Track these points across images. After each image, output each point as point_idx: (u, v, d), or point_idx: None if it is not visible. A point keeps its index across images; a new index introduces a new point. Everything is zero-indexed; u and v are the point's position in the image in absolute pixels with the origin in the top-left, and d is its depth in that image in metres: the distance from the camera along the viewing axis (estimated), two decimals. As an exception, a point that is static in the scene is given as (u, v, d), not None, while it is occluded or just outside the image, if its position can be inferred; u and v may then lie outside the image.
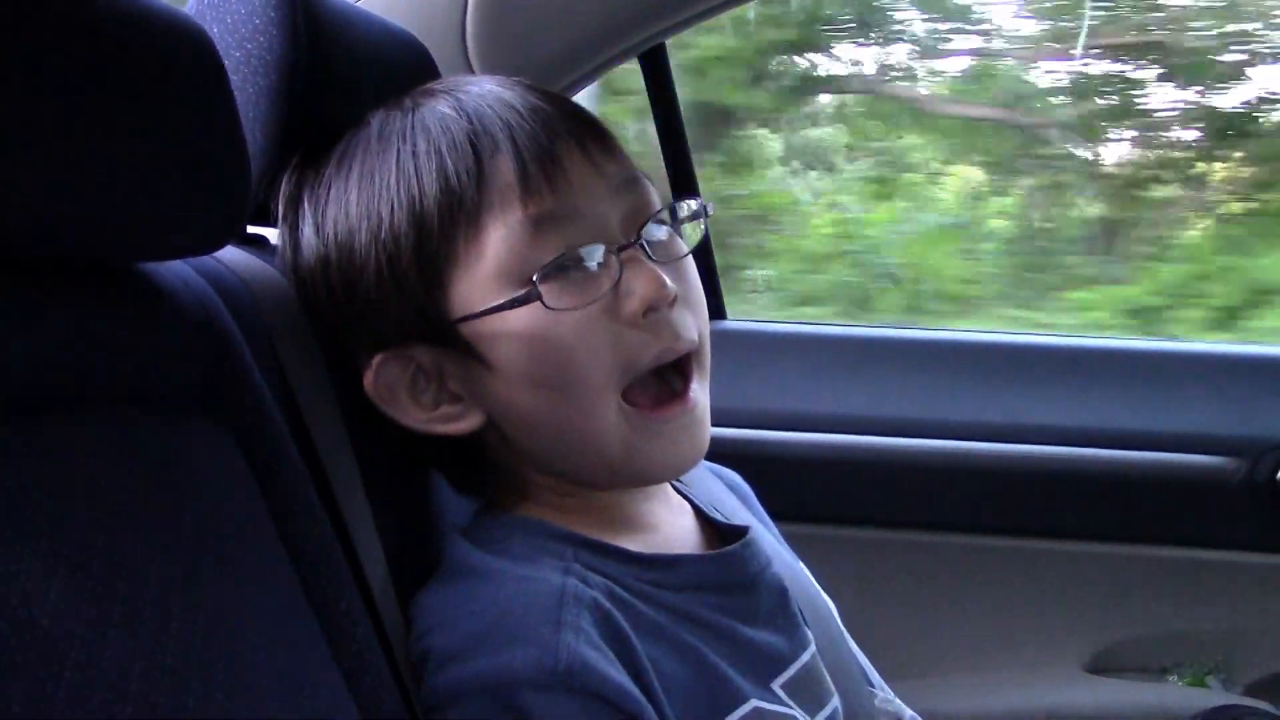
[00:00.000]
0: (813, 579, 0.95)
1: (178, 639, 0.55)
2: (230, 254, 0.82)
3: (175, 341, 0.67)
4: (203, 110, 0.62)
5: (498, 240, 0.75)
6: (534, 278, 0.74)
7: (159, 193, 0.60)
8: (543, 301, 0.74)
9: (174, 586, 0.57)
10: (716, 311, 1.73)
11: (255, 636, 0.60)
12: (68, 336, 0.59)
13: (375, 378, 0.78)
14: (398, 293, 0.77)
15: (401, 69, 0.97)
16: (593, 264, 0.75)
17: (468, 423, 0.80)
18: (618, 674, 0.70)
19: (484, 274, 0.75)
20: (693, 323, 0.79)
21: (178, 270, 0.71)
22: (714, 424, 0.83)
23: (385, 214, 0.76)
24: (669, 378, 0.79)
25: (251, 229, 0.90)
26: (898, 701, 0.94)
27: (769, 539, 0.93)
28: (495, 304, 0.75)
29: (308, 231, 0.81)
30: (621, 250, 0.76)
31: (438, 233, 0.75)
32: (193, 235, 0.66)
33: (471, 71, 1.34)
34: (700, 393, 0.80)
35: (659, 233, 0.80)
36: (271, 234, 0.91)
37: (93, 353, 0.60)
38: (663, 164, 1.68)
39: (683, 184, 1.67)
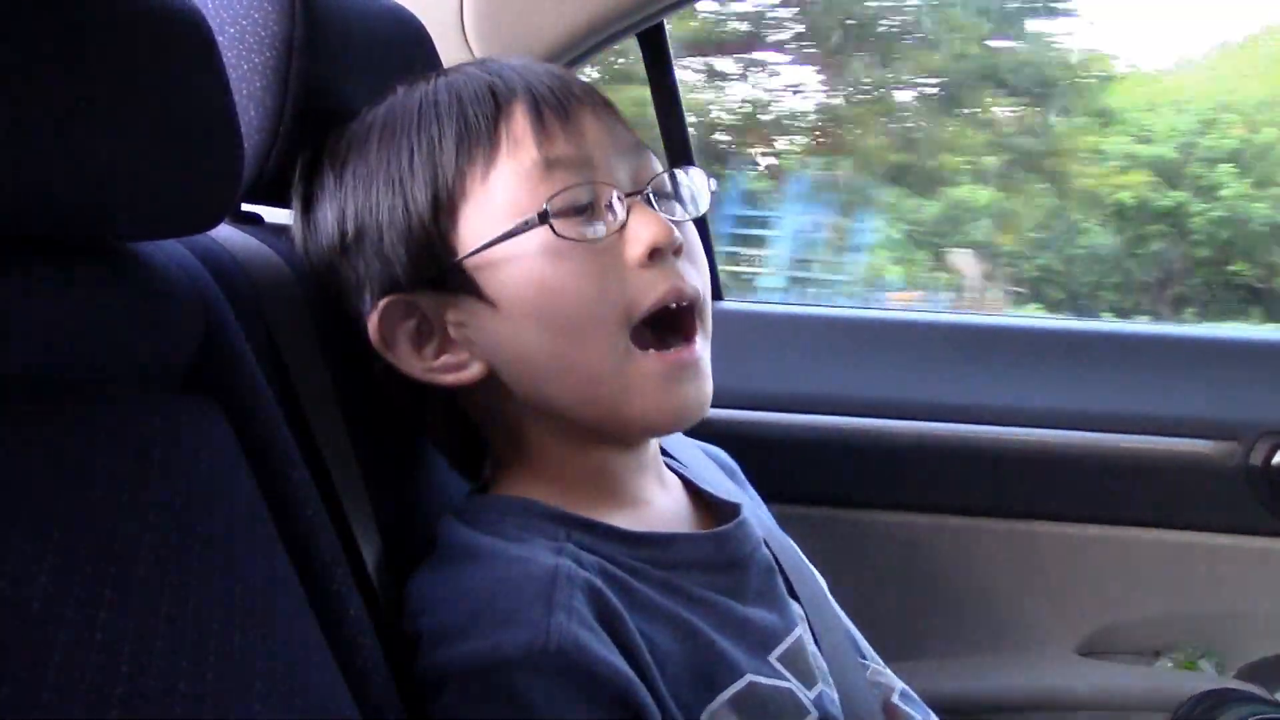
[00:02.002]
0: (802, 555, 0.95)
1: (168, 620, 0.55)
2: (224, 232, 0.82)
3: (166, 319, 0.66)
4: (194, 88, 0.62)
5: (509, 179, 0.77)
6: (545, 205, 0.76)
7: (150, 172, 0.59)
8: (552, 227, 0.76)
9: (164, 567, 0.57)
10: (714, 292, 1.72)
11: (246, 617, 0.60)
12: (56, 315, 0.58)
13: (380, 322, 0.80)
14: (410, 232, 0.79)
15: (399, 45, 0.97)
16: (602, 204, 0.78)
17: (469, 372, 0.81)
18: (610, 654, 0.70)
19: (493, 212, 0.77)
20: (696, 276, 0.81)
21: (169, 248, 0.71)
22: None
23: (404, 157, 0.79)
24: (671, 338, 0.80)
25: (246, 207, 0.90)
26: (889, 673, 0.94)
27: (760, 517, 0.94)
28: (504, 232, 0.77)
29: (327, 183, 0.83)
30: (628, 196, 0.79)
31: (453, 171, 0.78)
32: (185, 214, 0.66)
33: (469, 49, 1.34)
34: (704, 348, 0.82)
35: (664, 194, 0.83)
36: (267, 212, 0.91)
37: (82, 331, 0.60)
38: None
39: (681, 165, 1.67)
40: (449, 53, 1.05)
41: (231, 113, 0.65)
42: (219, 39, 0.65)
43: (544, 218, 0.76)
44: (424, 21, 1.01)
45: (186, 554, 0.59)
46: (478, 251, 0.77)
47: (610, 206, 0.78)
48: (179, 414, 0.65)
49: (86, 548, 0.54)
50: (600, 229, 0.77)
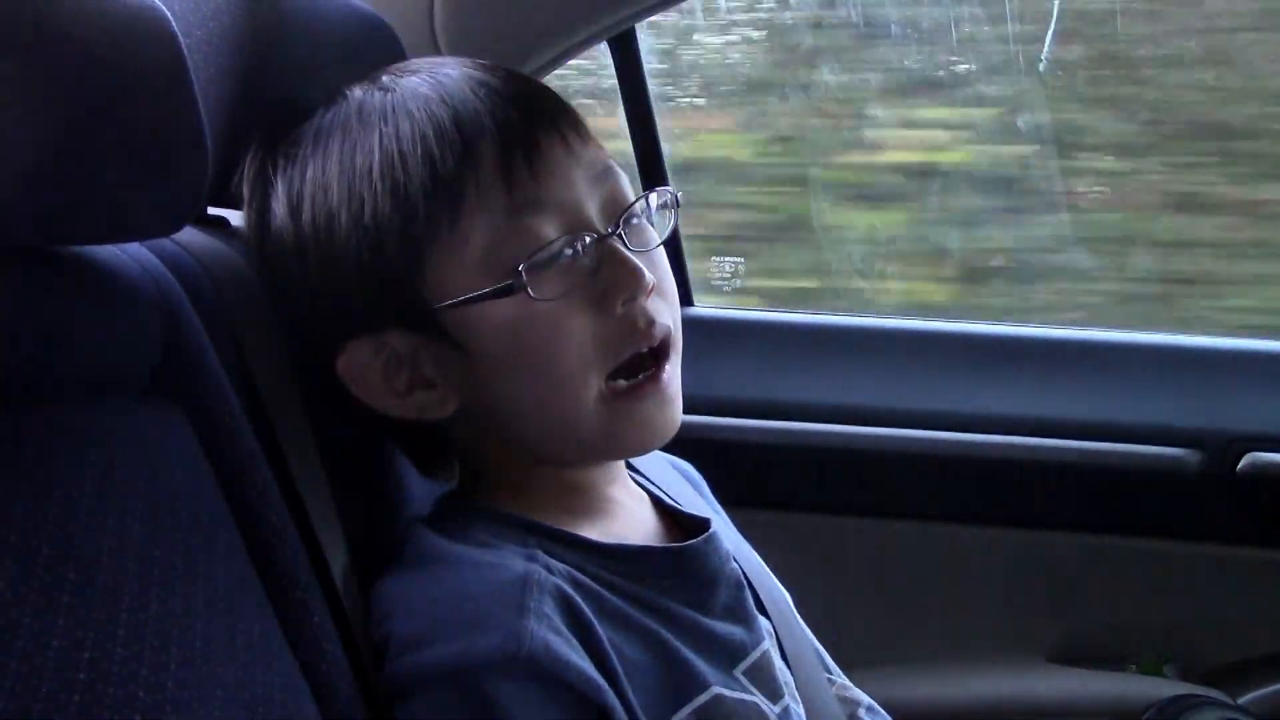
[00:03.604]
0: (768, 569, 0.95)
1: (128, 627, 0.55)
2: (188, 236, 0.81)
3: (129, 324, 0.66)
4: (160, 92, 0.61)
5: (481, 226, 0.75)
6: (520, 268, 0.74)
7: (115, 175, 0.59)
8: (528, 292, 0.74)
9: (124, 574, 0.56)
10: (684, 298, 1.73)
11: (208, 624, 0.60)
12: (18, 319, 0.58)
13: (349, 362, 0.78)
14: (378, 278, 0.77)
15: (367, 49, 0.96)
16: (574, 253, 0.76)
17: (441, 409, 0.80)
18: (581, 660, 0.70)
19: (466, 261, 0.76)
20: (667, 311, 0.81)
21: (133, 252, 0.70)
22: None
23: (368, 197, 0.76)
24: (643, 361, 0.80)
25: (211, 210, 0.89)
26: (855, 689, 0.94)
27: (728, 531, 0.94)
28: (478, 292, 0.75)
29: (280, 212, 0.80)
30: (600, 240, 0.77)
31: (422, 218, 0.75)
32: (149, 218, 0.65)
33: (439, 54, 1.33)
34: (673, 373, 0.81)
35: (634, 222, 0.81)
36: (233, 215, 0.90)
37: (44, 336, 0.59)
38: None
39: (652, 172, 1.67)
40: (419, 57, 1.04)
41: (198, 116, 0.64)
42: (186, 41, 0.64)
43: (520, 280, 0.74)
44: (394, 25, 1.01)
45: (148, 559, 0.58)
46: (449, 306, 0.76)
47: (585, 251, 0.77)
48: (142, 418, 0.65)
49: (46, 553, 0.53)
50: (574, 280, 0.76)
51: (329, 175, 0.78)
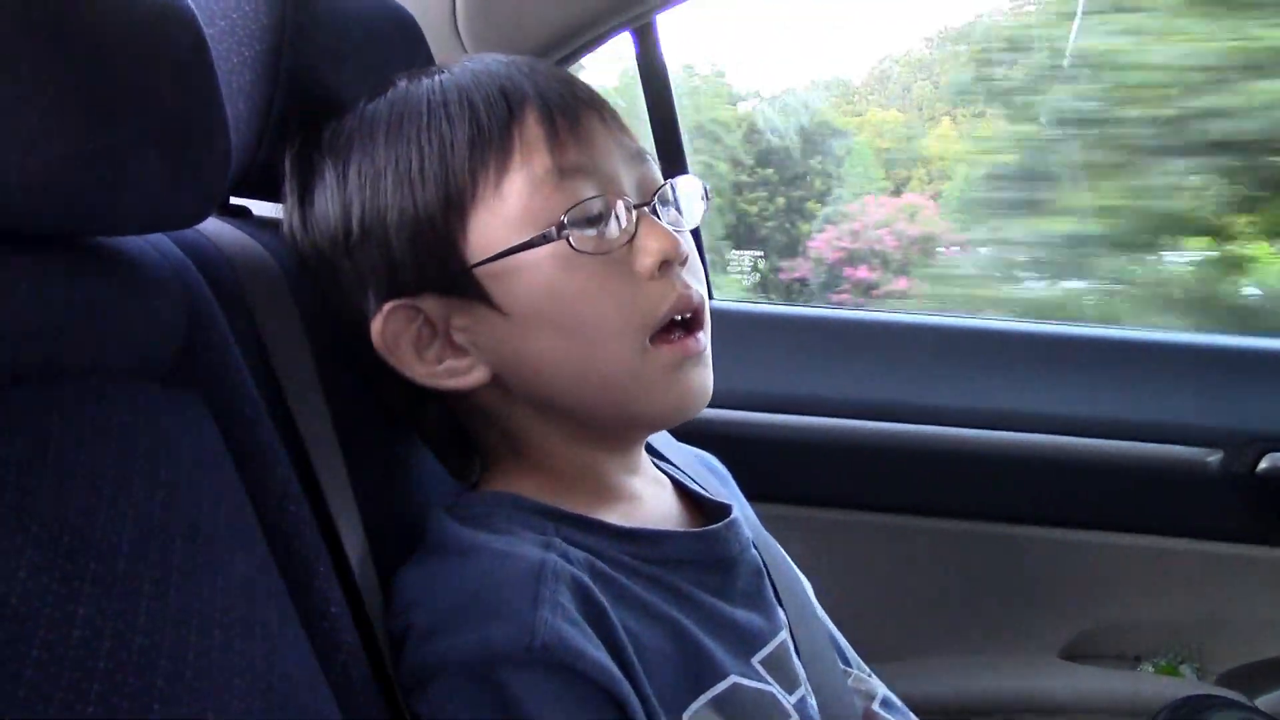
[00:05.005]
0: (789, 560, 0.95)
1: (147, 616, 0.55)
2: (211, 225, 0.81)
3: (150, 313, 0.66)
4: (183, 82, 0.61)
5: (522, 186, 0.77)
6: (562, 218, 0.76)
7: (138, 166, 0.59)
8: (569, 241, 0.76)
9: (144, 563, 0.57)
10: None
11: (226, 614, 0.60)
12: (41, 308, 0.58)
13: (384, 326, 0.79)
14: (419, 235, 0.78)
15: (390, 39, 0.96)
16: (613, 215, 0.78)
17: (472, 377, 0.81)
18: (595, 650, 0.70)
19: (506, 218, 0.77)
20: (697, 283, 0.82)
21: (154, 241, 0.71)
22: (697, 404, 0.84)
23: (414, 156, 0.78)
24: (675, 330, 0.81)
25: (234, 200, 0.90)
26: (872, 680, 0.94)
27: (750, 520, 0.94)
28: (518, 243, 0.77)
29: (328, 178, 0.82)
30: (635, 207, 0.79)
31: (465, 175, 0.77)
32: (172, 209, 0.66)
33: (461, 46, 1.34)
34: (706, 340, 0.83)
35: (664, 205, 0.83)
36: (254, 205, 0.91)
37: (67, 324, 0.60)
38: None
39: (673, 162, 1.67)
40: (441, 49, 1.05)
41: (220, 107, 0.65)
42: (209, 32, 0.65)
43: (561, 230, 0.76)
44: (416, 17, 1.01)
45: (167, 549, 0.59)
46: (491, 260, 0.77)
47: (620, 217, 0.78)
48: (162, 408, 0.65)
49: (66, 542, 0.53)
50: (612, 241, 0.78)
51: (375, 141, 0.80)
